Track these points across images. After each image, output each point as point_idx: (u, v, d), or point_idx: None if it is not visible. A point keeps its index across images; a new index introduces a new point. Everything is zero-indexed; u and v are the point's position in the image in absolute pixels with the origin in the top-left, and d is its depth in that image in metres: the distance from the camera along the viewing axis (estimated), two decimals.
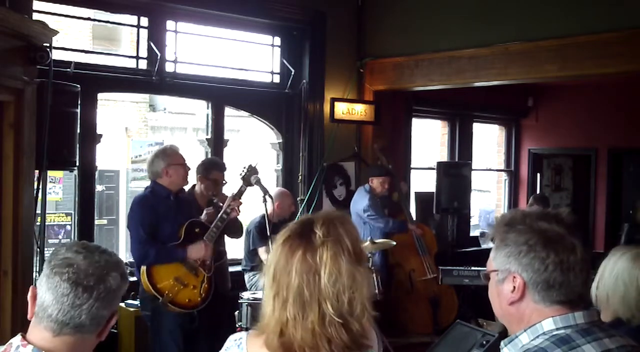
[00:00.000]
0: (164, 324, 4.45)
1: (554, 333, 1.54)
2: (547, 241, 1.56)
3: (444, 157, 8.64)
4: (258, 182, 4.73)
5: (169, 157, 4.51)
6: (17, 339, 1.56)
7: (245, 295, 5.09)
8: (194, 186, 5.20)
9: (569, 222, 1.60)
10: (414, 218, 7.10)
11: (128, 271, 5.41)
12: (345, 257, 1.56)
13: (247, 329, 4.83)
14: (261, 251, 5.65)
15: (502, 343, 1.62)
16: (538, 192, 9.40)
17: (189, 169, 4.59)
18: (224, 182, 5.18)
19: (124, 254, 7.85)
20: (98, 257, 1.58)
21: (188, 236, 4.51)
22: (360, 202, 6.38)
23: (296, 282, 1.53)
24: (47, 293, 1.54)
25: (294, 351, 1.53)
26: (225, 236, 5.07)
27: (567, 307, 1.56)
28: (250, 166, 4.77)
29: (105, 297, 1.55)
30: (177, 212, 4.52)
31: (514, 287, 1.58)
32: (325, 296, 1.53)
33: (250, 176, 4.73)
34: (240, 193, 4.72)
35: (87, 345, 1.59)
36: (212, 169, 5.11)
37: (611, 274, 2.47)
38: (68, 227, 7.19)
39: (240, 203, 4.73)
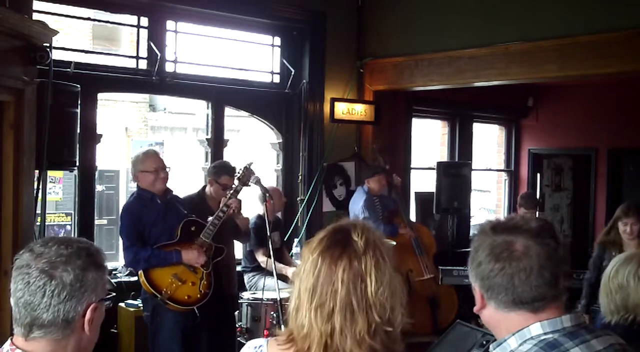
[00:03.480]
0: (164, 325, 4.45)
1: (542, 338, 1.55)
2: (490, 251, 1.59)
3: (444, 157, 8.64)
4: (258, 183, 4.74)
5: (139, 163, 4.53)
6: (7, 344, 1.55)
7: (245, 295, 5.10)
8: (204, 187, 5.21)
9: (527, 228, 1.59)
10: (414, 218, 7.10)
11: (127, 271, 5.42)
12: (386, 264, 1.56)
13: (247, 330, 4.87)
14: (258, 254, 5.64)
15: (491, 346, 1.63)
16: (538, 191, 9.42)
17: (163, 176, 4.50)
18: (233, 186, 5.18)
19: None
20: (50, 252, 1.50)
21: (184, 235, 4.52)
22: (357, 202, 6.37)
23: (344, 291, 1.51)
24: (12, 298, 1.52)
25: None
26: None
27: (529, 310, 1.57)
28: (245, 167, 4.79)
29: (61, 293, 1.48)
30: (165, 213, 4.51)
31: (477, 296, 1.64)
32: (372, 304, 1.52)
33: (245, 176, 4.75)
34: (236, 192, 4.73)
35: (70, 342, 1.53)
36: (223, 173, 5.10)
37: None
38: (68, 227, 7.19)
39: (239, 201, 4.75)
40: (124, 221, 4.48)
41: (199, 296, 4.46)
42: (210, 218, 4.63)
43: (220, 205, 4.67)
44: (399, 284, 1.58)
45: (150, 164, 4.48)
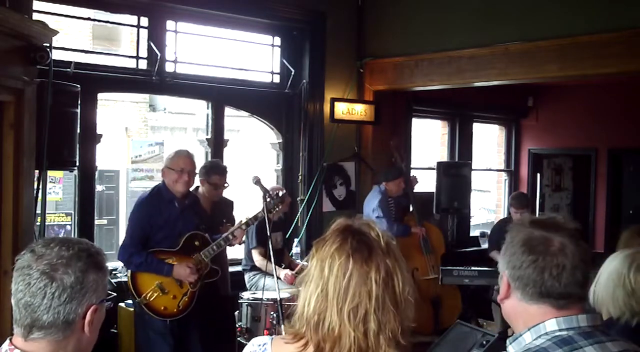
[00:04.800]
0: (151, 322, 4.44)
1: (557, 334, 1.56)
2: (525, 242, 1.60)
3: (444, 157, 8.64)
4: (258, 183, 4.73)
5: (168, 159, 4.50)
6: (5, 344, 1.55)
7: (245, 295, 5.10)
8: (197, 187, 5.20)
9: (566, 227, 1.62)
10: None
11: (127, 271, 5.44)
12: (404, 262, 1.58)
13: (247, 330, 4.86)
14: (254, 252, 5.63)
15: (507, 341, 1.65)
16: (538, 191, 9.42)
17: (186, 178, 4.42)
18: (225, 185, 5.17)
19: None
20: (51, 254, 1.50)
21: (186, 247, 4.48)
22: (371, 202, 6.37)
23: (379, 291, 1.51)
24: (12, 299, 1.52)
25: None
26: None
27: (552, 306, 1.58)
28: (277, 195, 4.75)
29: (62, 295, 1.48)
30: (177, 218, 4.47)
31: (503, 286, 1.65)
32: (399, 302, 1.53)
33: (273, 205, 4.70)
34: (254, 219, 4.68)
35: (70, 343, 1.54)
36: (213, 172, 5.09)
37: (605, 274, 2.51)
38: (68, 227, 7.19)
39: (244, 233, 4.74)
40: (134, 217, 4.46)
41: (175, 310, 4.43)
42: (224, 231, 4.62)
43: (235, 225, 4.64)
44: (412, 283, 1.60)
45: (178, 163, 4.43)
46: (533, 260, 1.58)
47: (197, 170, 5.19)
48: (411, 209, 6.69)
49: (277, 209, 4.78)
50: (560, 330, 1.56)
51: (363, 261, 1.53)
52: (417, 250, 6.53)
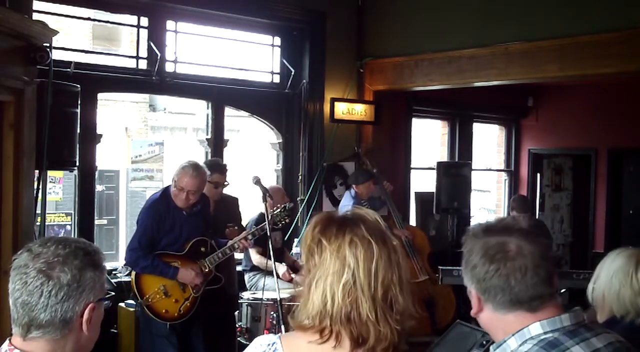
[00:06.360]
0: (153, 322, 4.45)
1: (542, 337, 1.55)
2: (484, 252, 1.59)
3: (444, 157, 8.64)
4: (258, 183, 4.73)
5: (176, 171, 4.46)
6: (5, 344, 1.55)
7: (245, 295, 5.10)
8: None
9: (518, 228, 1.61)
10: (414, 218, 7.07)
11: (127, 271, 5.44)
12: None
13: (247, 330, 4.86)
14: (252, 251, 5.63)
15: (491, 348, 1.63)
16: (538, 191, 9.42)
17: (183, 197, 4.39)
18: (225, 183, 5.17)
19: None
20: (47, 252, 1.50)
21: (191, 252, 4.50)
22: (345, 207, 6.34)
23: (402, 271, 1.53)
24: (10, 298, 1.52)
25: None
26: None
27: (527, 310, 1.57)
28: (284, 207, 4.79)
29: (58, 293, 1.48)
30: (183, 224, 4.48)
31: (474, 300, 1.64)
32: (404, 287, 1.54)
33: (280, 219, 4.73)
34: (261, 230, 4.70)
35: (69, 342, 1.53)
36: (214, 171, 5.08)
37: (607, 273, 2.50)
38: (68, 227, 7.18)
39: (249, 242, 4.78)
40: (142, 221, 4.47)
41: (175, 315, 4.44)
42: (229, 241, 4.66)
43: (242, 234, 4.68)
44: None
45: (181, 181, 4.40)
46: (495, 269, 1.57)
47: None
48: (391, 212, 6.61)
49: (284, 222, 4.80)
50: (545, 333, 1.55)
51: (383, 245, 1.53)
52: (403, 253, 6.44)
